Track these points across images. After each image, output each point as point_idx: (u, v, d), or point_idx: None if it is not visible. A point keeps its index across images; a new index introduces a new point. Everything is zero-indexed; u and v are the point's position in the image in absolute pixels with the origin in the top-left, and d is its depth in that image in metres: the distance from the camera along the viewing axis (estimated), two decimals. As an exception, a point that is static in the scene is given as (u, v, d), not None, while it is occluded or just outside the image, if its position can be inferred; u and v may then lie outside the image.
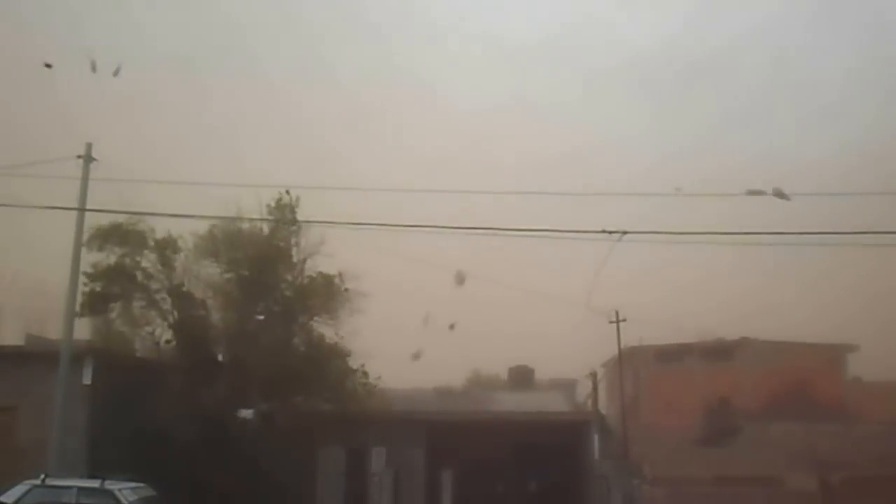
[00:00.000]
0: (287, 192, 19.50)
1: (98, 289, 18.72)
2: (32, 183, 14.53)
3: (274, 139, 54.72)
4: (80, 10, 55.64)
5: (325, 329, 20.51)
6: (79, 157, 16.25)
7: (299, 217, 19.63)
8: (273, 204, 19.56)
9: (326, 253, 19.74)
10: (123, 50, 32.14)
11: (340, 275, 19.97)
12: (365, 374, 20.18)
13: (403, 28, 68.71)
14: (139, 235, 19.02)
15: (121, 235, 18.78)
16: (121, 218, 18.35)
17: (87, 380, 17.25)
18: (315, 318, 20.59)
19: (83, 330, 18.90)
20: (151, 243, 19.22)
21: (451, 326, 30.18)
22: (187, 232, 19.45)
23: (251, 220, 19.38)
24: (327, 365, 20.10)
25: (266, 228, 19.95)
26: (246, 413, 19.23)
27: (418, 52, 66.95)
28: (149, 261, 19.42)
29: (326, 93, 61.67)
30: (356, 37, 67.42)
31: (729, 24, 62.50)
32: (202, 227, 19.12)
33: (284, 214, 19.69)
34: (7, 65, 48.35)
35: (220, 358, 20.32)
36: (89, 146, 16.51)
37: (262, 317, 20.07)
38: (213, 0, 59.22)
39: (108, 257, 18.95)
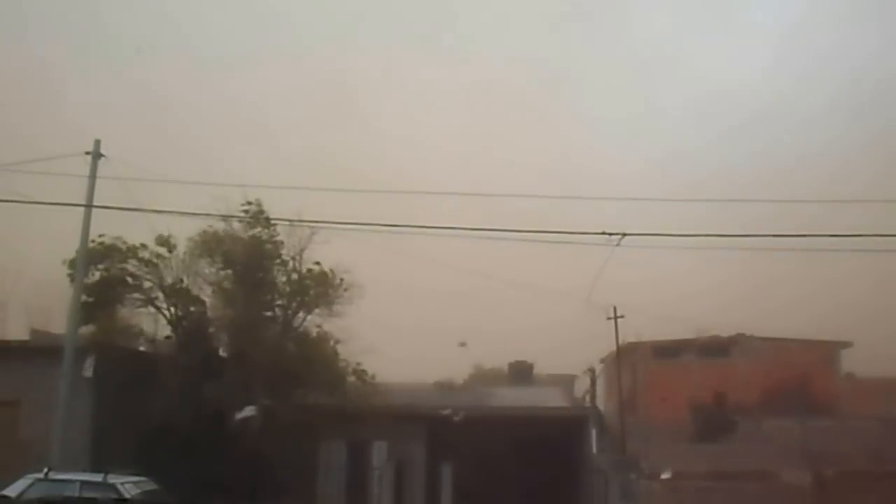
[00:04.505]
0: (251, 201, 19.57)
1: (92, 300, 18.93)
2: (39, 178, 14.55)
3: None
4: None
5: (324, 322, 20.74)
6: (86, 153, 16.27)
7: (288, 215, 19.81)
8: (243, 208, 19.68)
9: (321, 241, 19.92)
10: None
11: (332, 271, 20.20)
12: (363, 371, 20.37)
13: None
14: (111, 249, 19.24)
15: (100, 254, 19.00)
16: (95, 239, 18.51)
17: (88, 373, 17.33)
18: (315, 312, 20.77)
19: (87, 325, 19.00)
20: (128, 252, 19.45)
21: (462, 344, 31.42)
22: (171, 229, 19.69)
23: (226, 217, 19.48)
24: (326, 359, 20.27)
25: (244, 229, 20.12)
26: (247, 408, 19.34)
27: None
28: (133, 266, 19.63)
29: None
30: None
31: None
32: (190, 224, 19.27)
33: (258, 217, 19.85)
34: (11, 62, 47.87)
35: (220, 353, 20.45)
36: (97, 142, 16.50)
37: (258, 311, 20.24)
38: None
39: (93, 275, 19.14)
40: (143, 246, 19.61)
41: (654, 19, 66.07)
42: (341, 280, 20.17)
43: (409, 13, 66.44)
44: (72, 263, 18.09)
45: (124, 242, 19.52)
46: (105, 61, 54.10)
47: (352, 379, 20.33)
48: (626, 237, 14.10)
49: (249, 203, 19.64)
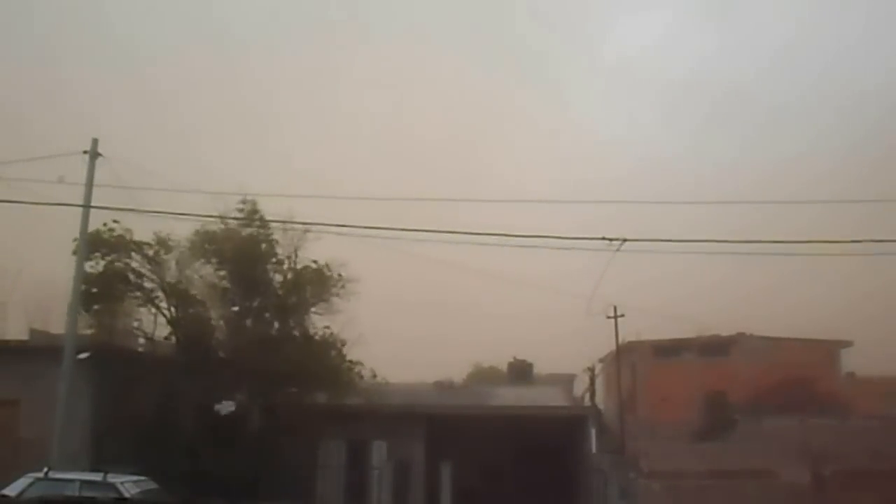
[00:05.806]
0: (245, 201, 19.77)
1: (93, 291, 18.92)
2: (38, 178, 14.55)
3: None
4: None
5: (321, 320, 20.81)
6: (84, 152, 16.26)
7: (285, 217, 19.91)
8: (239, 209, 19.84)
9: (313, 238, 20.00)
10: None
11: (328, 265, 20.26)
12: (360, 364, 20.41)
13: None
14: (120, 240, 19.27)
15: (102, 243, 19.01)
16: (100, 226, 18.56)
17: (82, 356, 17.27)
18: (312, 310, 20.82)
19: (86, 325, 19.03)
20: (133, 246, 19.50)
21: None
22: (168, 231, 19.75)
23: (224, 219, 19.59)
24: (324, 356, 20.31)
25: (241, 230, 20.22)
26: (227, 402, 19.36)
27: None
28: (137, 262, 19.69)
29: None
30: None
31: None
32: (185, 226, 19.33)
33: (252, 218, 19.99)
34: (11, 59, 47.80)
35: (220, 353, 20.47)
36: (95, 142, 16.49)
37: (255, 310, 20.29)
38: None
39: (97, 264, 19.17)
40: (149, 244, 19.62)
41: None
42: (339, 275, 20.26)
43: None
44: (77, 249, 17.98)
45: (132, 235, 19.50)
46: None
47: (351, 375, 20.39)
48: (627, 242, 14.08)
49: (244, 202, 19.74)
